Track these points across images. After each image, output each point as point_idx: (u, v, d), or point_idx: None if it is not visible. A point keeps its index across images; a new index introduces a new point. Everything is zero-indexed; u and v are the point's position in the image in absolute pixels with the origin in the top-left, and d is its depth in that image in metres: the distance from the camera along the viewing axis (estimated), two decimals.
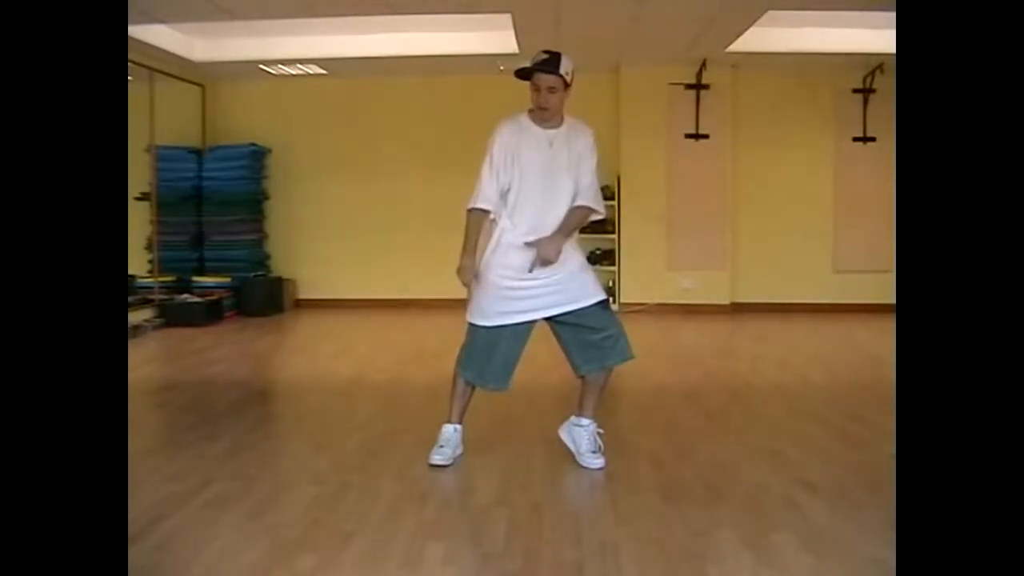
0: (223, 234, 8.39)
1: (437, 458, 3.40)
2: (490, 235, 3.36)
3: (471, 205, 3.33)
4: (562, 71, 3.23)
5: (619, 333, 3.39)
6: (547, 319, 3.37)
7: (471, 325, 3.41)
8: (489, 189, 3.30)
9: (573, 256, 3.38)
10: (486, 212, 3.33)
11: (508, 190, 3.31)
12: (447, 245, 9.80)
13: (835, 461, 3.56)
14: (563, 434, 3.49)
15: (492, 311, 3.34)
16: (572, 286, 3.33)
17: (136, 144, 7.49)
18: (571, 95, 3.33)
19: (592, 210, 3.36)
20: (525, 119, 3.35)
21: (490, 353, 3.37)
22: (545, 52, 3.27)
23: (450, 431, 3.45)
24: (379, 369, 5.70)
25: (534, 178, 3.29)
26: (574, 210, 3.33)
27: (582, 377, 3.44)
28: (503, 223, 3.33)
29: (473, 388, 3.47)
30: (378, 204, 8.74)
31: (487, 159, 3.31)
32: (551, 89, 3.24)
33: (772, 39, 7.30)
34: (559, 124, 3.34)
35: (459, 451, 3.48)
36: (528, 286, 3.31)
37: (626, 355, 3.41)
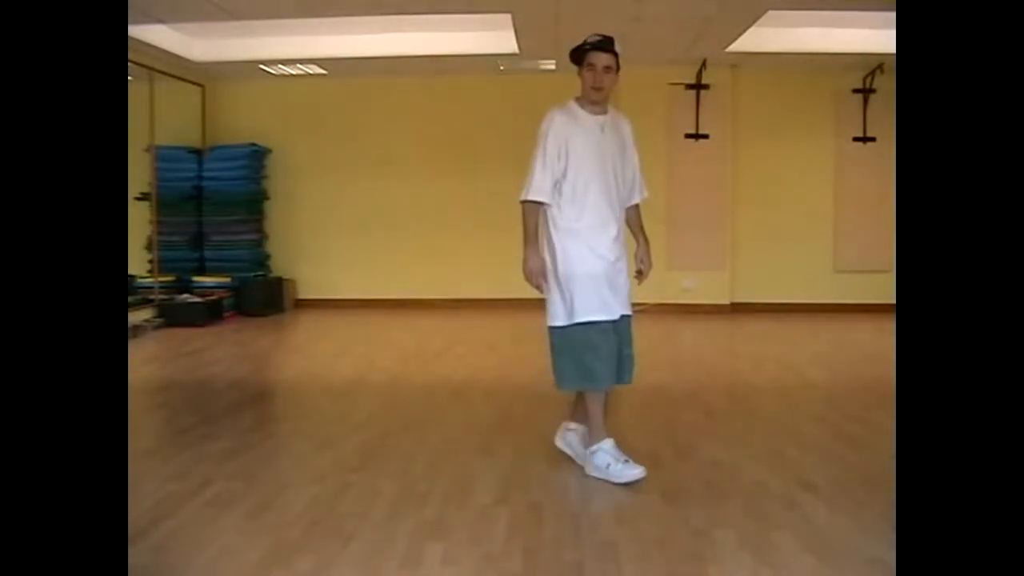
0: (223, 234, 8.39)
1: (633, 473, 3.16)
2: (545, 232, 3.27)
3: (524, 197, 3.24)
4: (616, 49, 3.24)
5: (633, 352, 3.38)
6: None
7: (559, 329, 3.24)
8: (543, 181, 3.22)
9: (625, 262, 3.37)
10: (540, 204, 3.25)
11: (563, 179, 3.23)
12: (448, 245, 9.75)
13: (835, 461, 3.56)
14: (559, 442, 3.49)
15: (586, 306, 3.19)
16: (626, 290, 3.34)
17: (136, 144, 7.50)
18: (618, 81, 3.32)
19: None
20: (574, 106, 3.31)
21: (596, 350, 3.19)
22: (597, 35, 3.27)
23: (608, 445, 3.26)
24: (379, 369, 5.69)
25: (592, 165, 3.24)
26: (633, 213, 3.43)
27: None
28: (562, 213, 3.23)
29: (605, 394, 3.34)
30: (378, 204, 8.73)
31: (539, 149, 3.23)
32: (607, 68, 3.22)
33: (772, 39, 7.30)
34: (606, 110, 3.33)
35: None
36: (606, 278, 3.22)
37: (628, 379, 3.38)
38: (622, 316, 3.31)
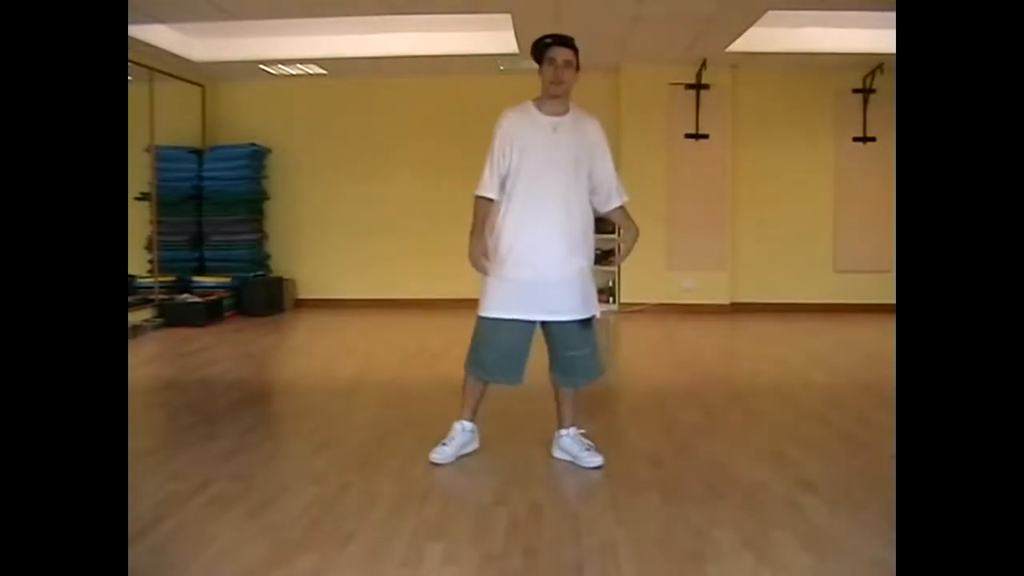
0: (223, 234, 8.38)
1: (435, 455, 3.42)
2: (494, 225, 3.36)
3: (476, 192, 3.35)
4: (576, 46, 3.27)
5: (590, 355, 3.39)
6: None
7: (477, 319, 3.41)
8: (490, 178, 3.32)
9: (583, 262, 3.36)
10: (490, 200, 3.34)
11: (508, 176, 3.31)
12: (447, 245, 9.76)
13: (835, 461, 3.57)
14: (556, 452, 3.51)
15: (496, 303, 3.33)
16: (567, 295, 3.32)
17: (136, 144, 7.49)
18: (577, 81, 3.34)
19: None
20: (530, 106, 3.36)
21: (493, 344, 3.36)
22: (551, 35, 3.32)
23: (457, 428, 3.48)
24: (379, 369, 5.69)
25: (536, 165, 3.27)
26: (621, 213, 3.45)
27: (554, 389, 3.49)
28: (501, 210, 3.33)
29: (484, 384, 3.48)
30: (378, 204, 8.73)
31: (490, 147, 3.33)
32: (567, 63, 3.25)
33: (772, 39, 7.30)
34: (565, 111, 3.34)
35: (469, 449, 3.49)
36: (532, 280, 3.28)
37: (592, 376, 3.44)
38: (565, 321, 3.32)
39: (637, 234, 3.49)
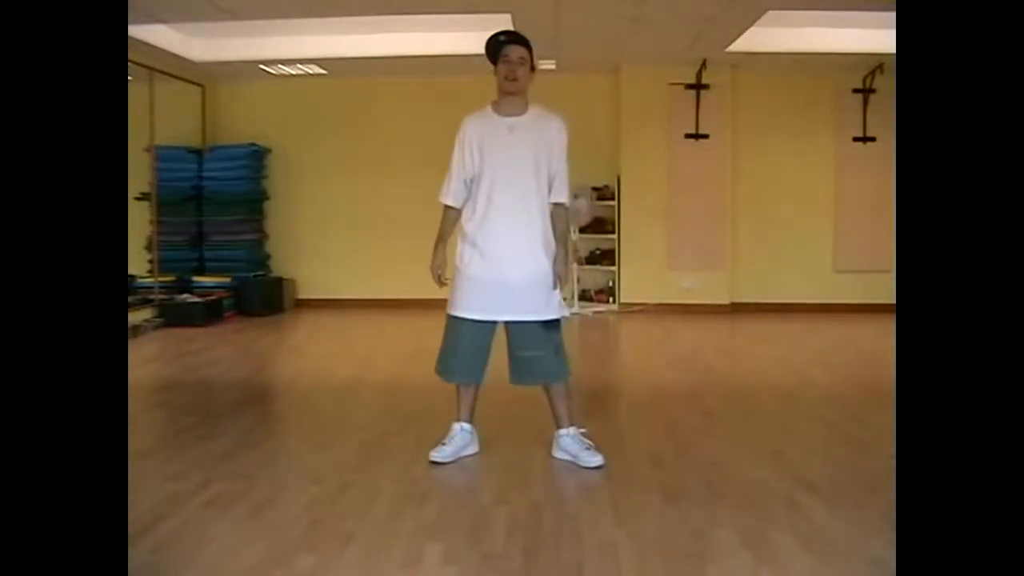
0: (223, 234, 8.39)
1: (435, 454, 3.43)
2: (459, 226, 3.43)
3: (440, 199, 3.45)
4: (530, 44, 3.31)
5: (549, 356, 3.37)
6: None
7: (446, 316, 3.47)
8: (454, 184, 3.40)
9: (542, 260, 3.34)
10: (454, 208, 3.42)
11: (471, 180, 3.37)
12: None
13: (835, 461, 3.56)
14: (556, 452, 3.50)
15: (458, 302, 3.40)
16: (528, 295, 3.32)
17: (136, 144, 7.49)
18: (534, 79, 3.37)
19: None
20: (488, 109, 3.40)
21: (455, 344, 3.42)
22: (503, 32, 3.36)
23: (456, 429, 3.49)
24: (379, 369, 5.69)
25: (494, 166, 3.31)
26: (557, 212, 3.38)
27: (546, 392, 3.49)
28: (468, 211, 3.39)
29: (476, 385, 3.50)
30: (378, 204, 8.73)
31: (452, 154, 3.40)
32: (521, 59, 3.29)
33: (772, 39, 7.30)
34: (522, 111, 3.35)
35: (469, 451, 3.50)
36: (492, 280, 3.31)
37: (553, 378, 3.43)
38: (521, 321, 3.33)
39: (566, 253, 3.45)
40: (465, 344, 3.40)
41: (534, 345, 3.37)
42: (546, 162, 3.33)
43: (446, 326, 3.47)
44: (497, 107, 3.37)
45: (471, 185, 3.37)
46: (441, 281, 3.44)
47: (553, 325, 3.40)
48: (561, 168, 3.37)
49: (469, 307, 3.37)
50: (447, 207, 3.45)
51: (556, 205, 3.39)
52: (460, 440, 3.48)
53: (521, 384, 3.49)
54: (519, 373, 3.45)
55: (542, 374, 3.44)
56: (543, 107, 3.41)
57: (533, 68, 3.34)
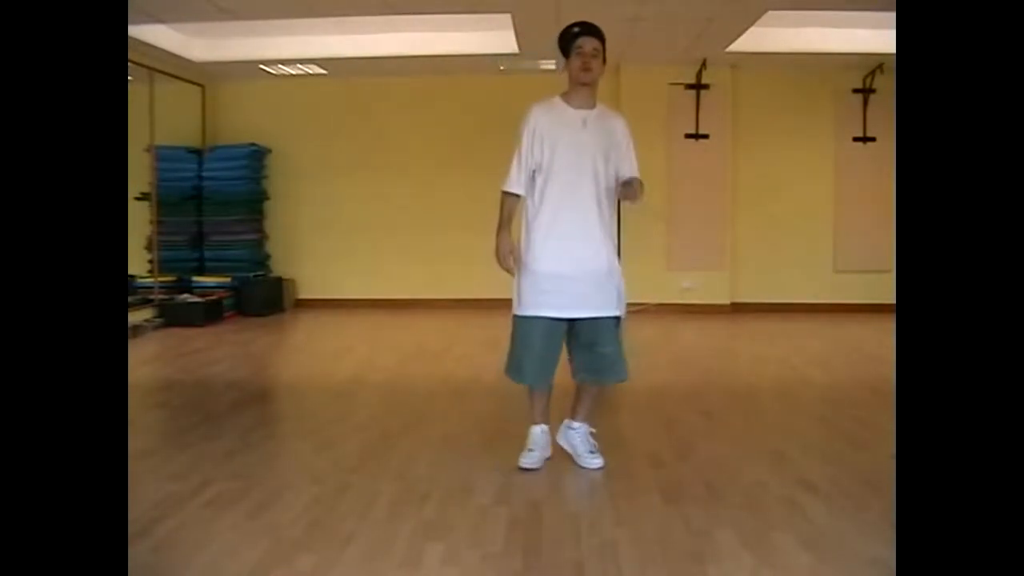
0: (223, 234, 8.38)
1: (525, 462, 3.34)
2: (523, 221, 3.32)
3: (503, 188, 3.31)
4: (604, 37, 3.24)
5: (616, 353, 3.33)
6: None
7: (512, 318, 3.35)
8: (518, 173, 3.28)
9: (613, 256, 3.31)
10: (518, 196, 3.30)
11: (538, 171, 3.26)
12: (448, 245, 9.75)
13: (835, 461, 3.56)
14: (560, 439, 3.48)
15: (531, 300, 3.27)
16: (604, 290, 3.27)
17: (136, 144, 7.49)
18: (604, 73, 3.31)
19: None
20: (558, 100, 3.32)
21: (528, 346, 3.29)
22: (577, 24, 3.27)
23: (536, 433, 3.40)
24: (379, 369, 5.69)
25: (565, 158, 3.24)
26: (631, 181, 3.31)
27: (578, 383, 3.43)
28: (531, 205, 3.29)
29: (549, 388, 3.41)
30: (378, 204, 8.72)
31: (517, 142, 3.28)
32: (595, 51, 3.22)
33: (772, 39, 7.30)
34: (594, 105, 3.31)
35: (547, 453, 3.42)
36: (568, 276, 3.23)
37: (622, 376, 3.38)
38: (595, 317, 3.27)
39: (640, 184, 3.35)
40: (540, 344, 3.28)
41: (609, 340, 3.30)
42: (615, 159, 3.30)
43: (515, 326, 3.33)
44: (569, 99, 3.29)
45: (535, 176, 3.27)
46: (511, 269, 3.32)
47: (620, 322, 3.36)
48: (633, 162, 3.36)
49: (545, 305, 3.25)
50: (508, 195, 3.30)
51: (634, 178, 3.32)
52: (543, 442, 3.39)
53: (590, 382, 3.39)
54: (594, 371, 3.35)
55: (612, 371, 3.36)
56: (606, 104, 3.39)
57: (605, 60, 3.29)
